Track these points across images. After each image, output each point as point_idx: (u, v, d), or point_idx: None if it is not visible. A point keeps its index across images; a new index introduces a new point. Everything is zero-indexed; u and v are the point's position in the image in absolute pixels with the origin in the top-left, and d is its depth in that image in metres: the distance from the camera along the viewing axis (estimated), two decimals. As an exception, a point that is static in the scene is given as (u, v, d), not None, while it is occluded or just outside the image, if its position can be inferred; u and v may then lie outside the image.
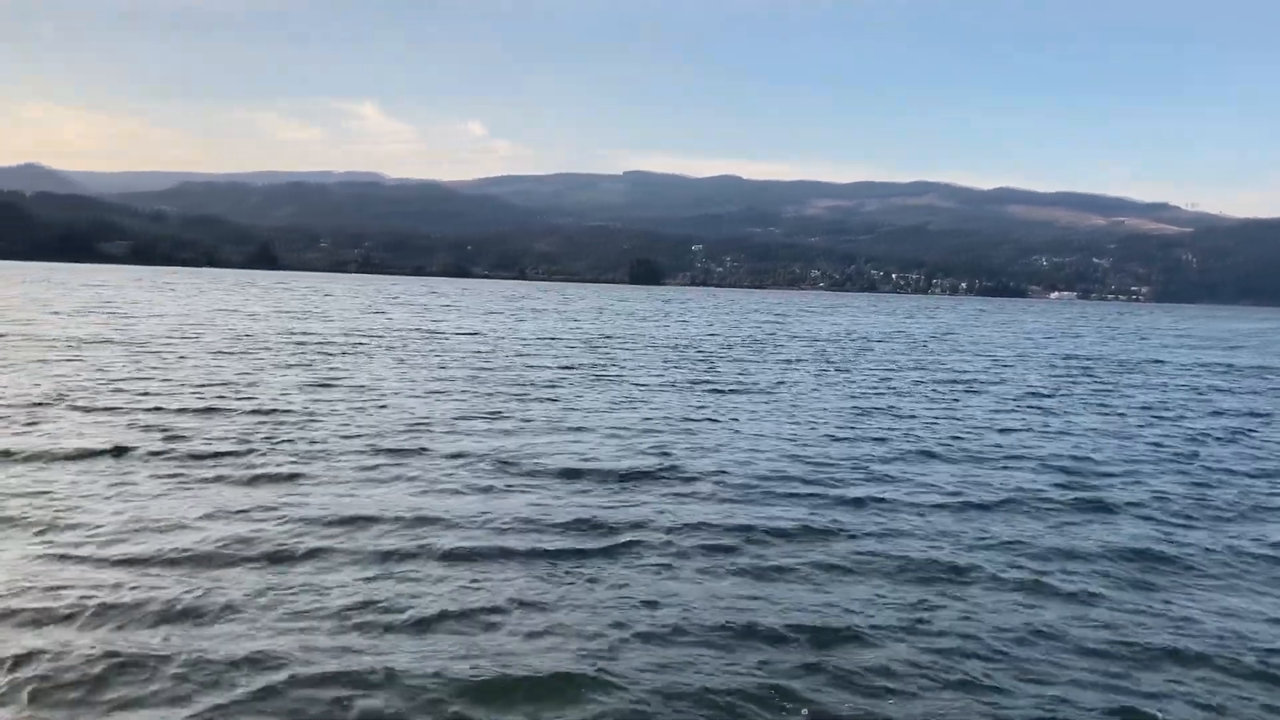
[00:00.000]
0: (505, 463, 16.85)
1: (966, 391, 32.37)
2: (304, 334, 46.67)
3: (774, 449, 19.30)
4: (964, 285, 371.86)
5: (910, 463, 18.46)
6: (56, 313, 55.02)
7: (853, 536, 13.05)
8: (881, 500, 15.19)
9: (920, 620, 10.10)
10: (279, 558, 11.20)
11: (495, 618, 9.73)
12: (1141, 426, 25.21)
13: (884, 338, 67.22)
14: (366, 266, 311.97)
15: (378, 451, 17.41)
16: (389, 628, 9.38)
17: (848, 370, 39.37)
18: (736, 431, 21.52)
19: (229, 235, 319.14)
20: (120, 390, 24.04)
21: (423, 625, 9.48)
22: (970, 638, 9.67)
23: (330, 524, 12.62)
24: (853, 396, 29.79)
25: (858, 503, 15.00)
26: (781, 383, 32.91)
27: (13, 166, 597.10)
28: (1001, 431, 23.11)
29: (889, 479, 16.82)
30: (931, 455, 19.32)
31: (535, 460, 17.18)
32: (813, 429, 22.37)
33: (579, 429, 20.90)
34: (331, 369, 31.28)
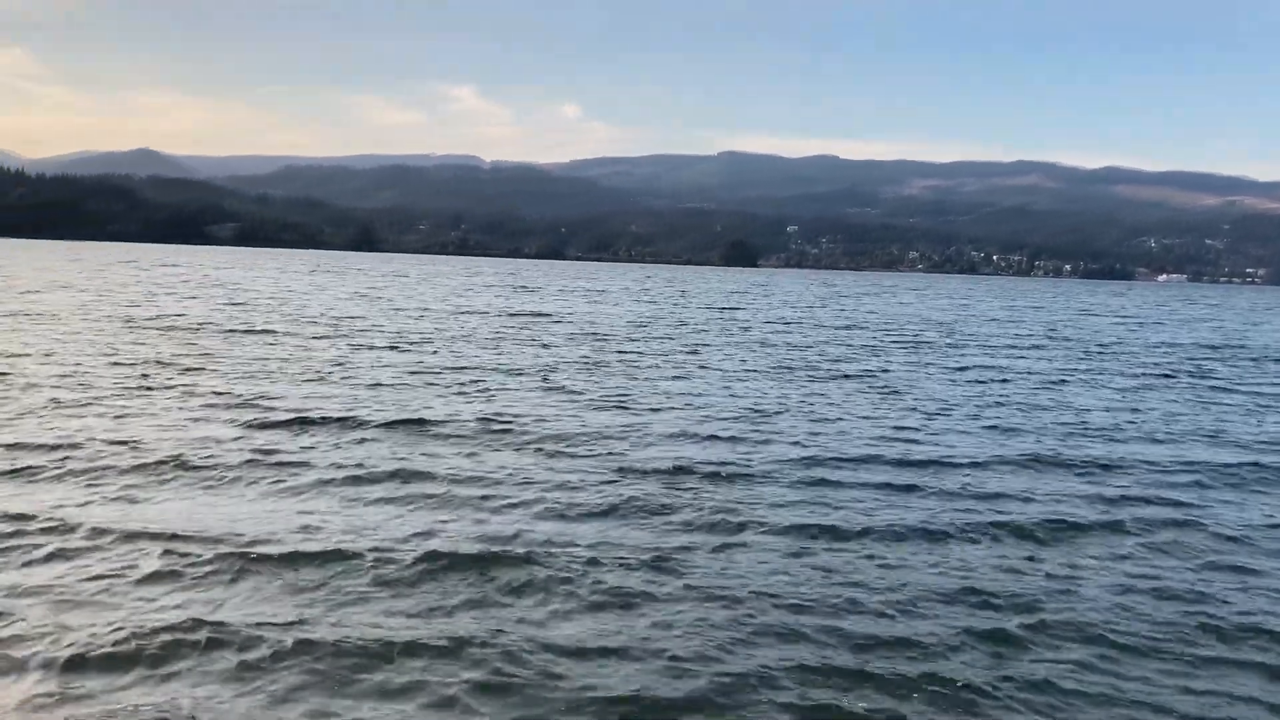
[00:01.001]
0: (583, 454, 16.20)
1: (1069, 382, 30.59)
2: (398, 314, 46.87)
3: (865, 443, 18.21)
4: (1068, 267, 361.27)
5: (1003, 466, 16.94)
6: (151, 293, 56.39)
7: (944, 552, 11.84)
8: (973, 508, 13.90)
9: (1004, 654, 9.01)
10: (365, 554, 10.71)
11: (569, 625, 9.07)
12: (1258, 427, 23.43)
13: (983, 321, 65.03)
14: (464, 248, 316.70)
15: (473, 437, 17.07)
16: (456, 636, 8.77)
17: (945, 355, 37.87)
18: (826, 422, 20.47)
19: (331, 218, 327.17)
20: (215, 371, 24.07)
21: (500, 632, 8.87)
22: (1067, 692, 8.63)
23: (410, 519, 12.11)
24: (950, 384, 28.40)
25: (948, 507, 13.84)
26: (876, 369, 31.69)
27: (126, 152, 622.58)
28: (1107, 431, 21.14)
29: (979, 484, 15.45)
30: (1031, 459, 17.53)
31: (608, 451, 16.50)
32: (904, 421, 21.18)
33: (665, 416, 20.13)
34: (423, 352, 31.09)
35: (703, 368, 30.00)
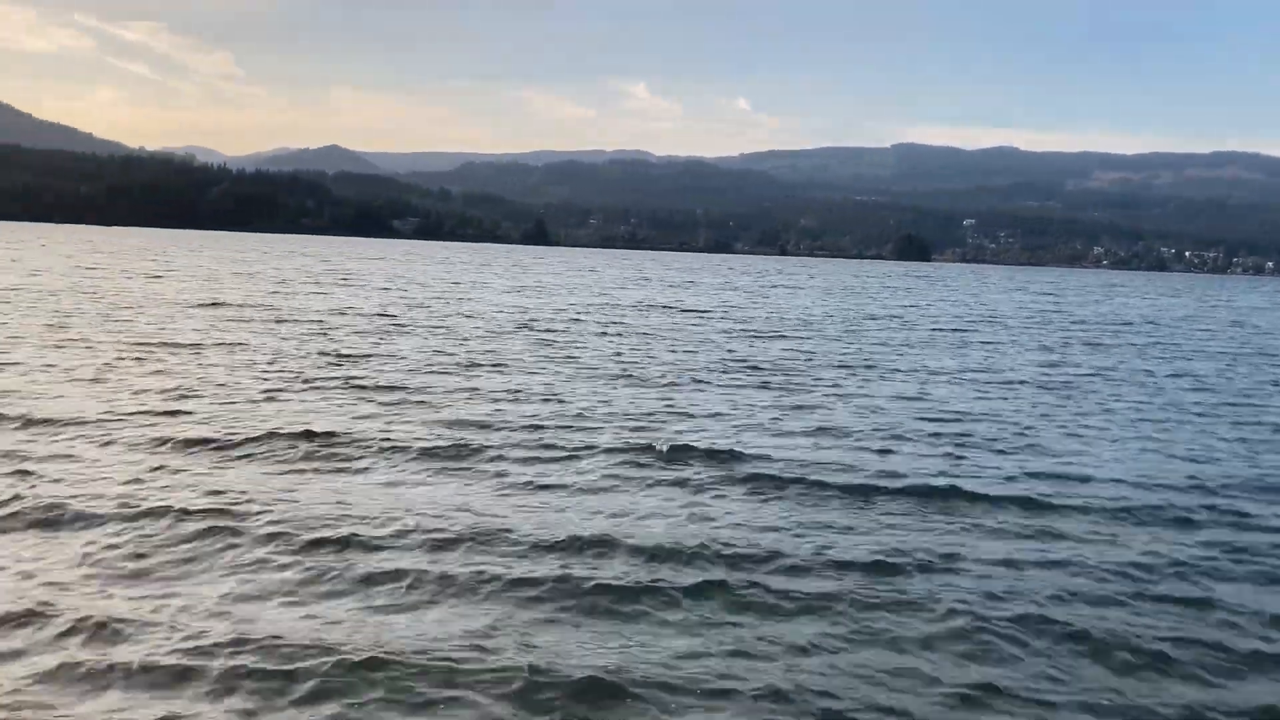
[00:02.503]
0: (760, 469, 15.33)
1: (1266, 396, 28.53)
2: (558, 311, 47.39)
3: (1088, 462, 17.07)
4: (1270, 264, 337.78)
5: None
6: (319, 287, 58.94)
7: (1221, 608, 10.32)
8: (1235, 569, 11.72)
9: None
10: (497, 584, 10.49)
11: (754, 684, 8.20)
12: None
13: (1185, 320, 61.18)
14: (632, 242, 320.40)
15: (630, 450, 16.30)
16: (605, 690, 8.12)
17: (1162, 361, 35.91)
18: (1039, 435, 19.36)
19: (507, 212, 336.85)
20: (359, 363, 25.00)
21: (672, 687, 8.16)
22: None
23: (558, 543, 11.44)
24: (1170, 391, 26.86)
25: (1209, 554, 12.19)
26: (1079, 373, 30.07)
27: (317, 149, 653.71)
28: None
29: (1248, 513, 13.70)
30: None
31: (793, 467, 15.50)
32: (1136, 434, 19.85)
33: (843, 430, 19.44)
34: (578, 349, 31.32)
35: (883, 369, 29.17)
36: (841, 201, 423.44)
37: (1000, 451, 18.05)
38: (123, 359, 24.83)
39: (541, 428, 18.08)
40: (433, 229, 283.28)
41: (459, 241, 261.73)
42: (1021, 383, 28.56)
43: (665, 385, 24.71)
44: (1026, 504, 14.12)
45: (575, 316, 45.84)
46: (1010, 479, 15.76)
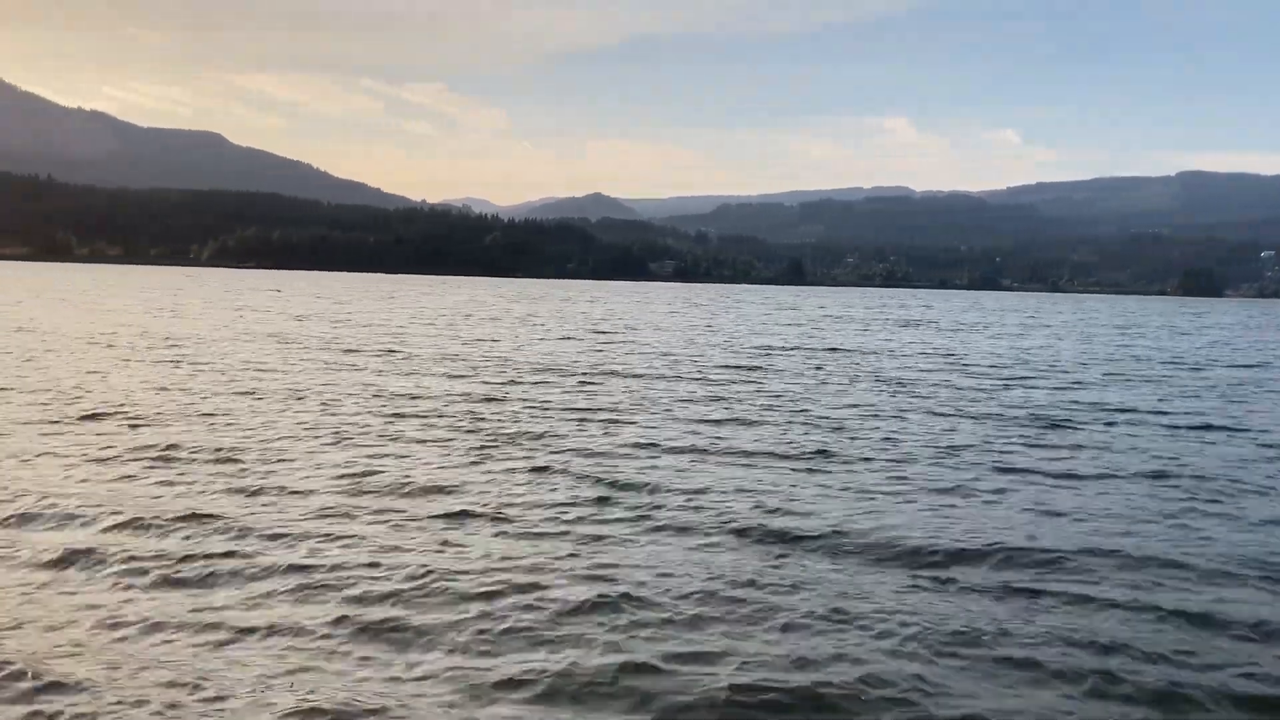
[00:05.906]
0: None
1: None
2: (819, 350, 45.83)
3: None
4: None
5: None
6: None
7: None
8: None
9: None
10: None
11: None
12: None
13: None
14: (891, 280, 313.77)
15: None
16: None
17: None
18: None
19: (762, 253, 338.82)
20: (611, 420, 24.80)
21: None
22: None
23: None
24: None
25: None
26: None
27: (581, 197, 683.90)
28: None
29: None
30: None
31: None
32: None
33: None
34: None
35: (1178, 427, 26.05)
36: (1118, 235, 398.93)
37: None
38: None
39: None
40: (689, 271, 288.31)
41: (714, 283, 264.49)
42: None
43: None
44: None
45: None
46: None
